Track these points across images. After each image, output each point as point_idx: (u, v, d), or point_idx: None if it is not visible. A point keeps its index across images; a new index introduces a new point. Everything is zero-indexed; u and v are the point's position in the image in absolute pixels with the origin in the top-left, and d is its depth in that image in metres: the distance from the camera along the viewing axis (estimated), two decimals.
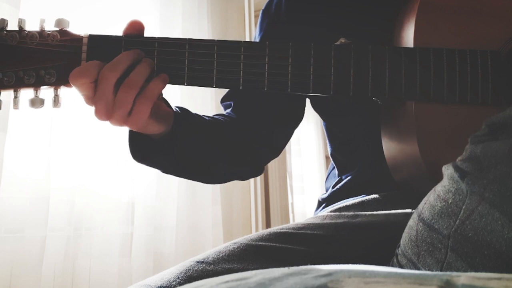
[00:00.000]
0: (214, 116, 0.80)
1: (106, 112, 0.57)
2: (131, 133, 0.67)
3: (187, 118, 0.71)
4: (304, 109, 0.87)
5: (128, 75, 0.58)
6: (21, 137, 1.23)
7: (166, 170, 0.74)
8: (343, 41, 0.63)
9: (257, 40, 0.87)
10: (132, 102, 0.57)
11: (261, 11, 0.89)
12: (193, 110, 0.74)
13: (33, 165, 1.25)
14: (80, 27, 0.62)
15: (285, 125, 0.86)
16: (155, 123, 0.63)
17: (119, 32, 0.62)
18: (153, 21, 1.68)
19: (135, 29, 0.62)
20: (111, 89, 0.57)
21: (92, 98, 0.58)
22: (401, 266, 0.50)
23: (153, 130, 0.64)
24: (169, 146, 0.68)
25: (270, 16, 0.86)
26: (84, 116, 1.35)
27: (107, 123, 0.59)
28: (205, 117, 0.77)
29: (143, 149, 0.68)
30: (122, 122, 0.59)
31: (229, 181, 0.84)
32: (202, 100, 1.86)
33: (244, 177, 0.87)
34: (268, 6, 0.88)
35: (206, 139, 0.74)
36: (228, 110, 0.84)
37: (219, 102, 0.89)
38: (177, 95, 1.71)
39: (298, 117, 0.87)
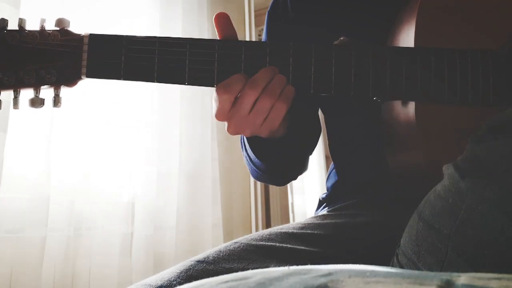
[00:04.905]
0: None
1: (241, 125, 0.60)
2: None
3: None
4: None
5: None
6: (21, 137, 1.23)
7: (267, 172, 0.76)
8: (342, 39, 0.63)
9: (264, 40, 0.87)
10: (269, 110, 0.59)
11: (267, 12, 0.89)
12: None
13: (33, 165, 1.25)
14: (80, 27, 0.61)
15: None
16: (285, 125, 0.66)
17: (120, 32, 0.62)
18: (153, 21, 1.67)
19: (223, 17, 0.62)
20: (250, 105, 0.58)
21: (228, 112, 0.59)
22: (401, 266, 0.50)
23: (281, 132, 0.66)
24: (284, 149, 0.70)
25: (276, 17, 0.86)
26: (84, 116, 1.35)
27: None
28: None
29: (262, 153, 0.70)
30: (255, 131, 0.61)
31: (290, 181, 0.87)
32: (202, 100, 1.86)
33: (298, 176, 0.89)
34: (274, 7, 0.87)
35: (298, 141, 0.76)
36: None
37: None
38: (176, 95, 1.70)
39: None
